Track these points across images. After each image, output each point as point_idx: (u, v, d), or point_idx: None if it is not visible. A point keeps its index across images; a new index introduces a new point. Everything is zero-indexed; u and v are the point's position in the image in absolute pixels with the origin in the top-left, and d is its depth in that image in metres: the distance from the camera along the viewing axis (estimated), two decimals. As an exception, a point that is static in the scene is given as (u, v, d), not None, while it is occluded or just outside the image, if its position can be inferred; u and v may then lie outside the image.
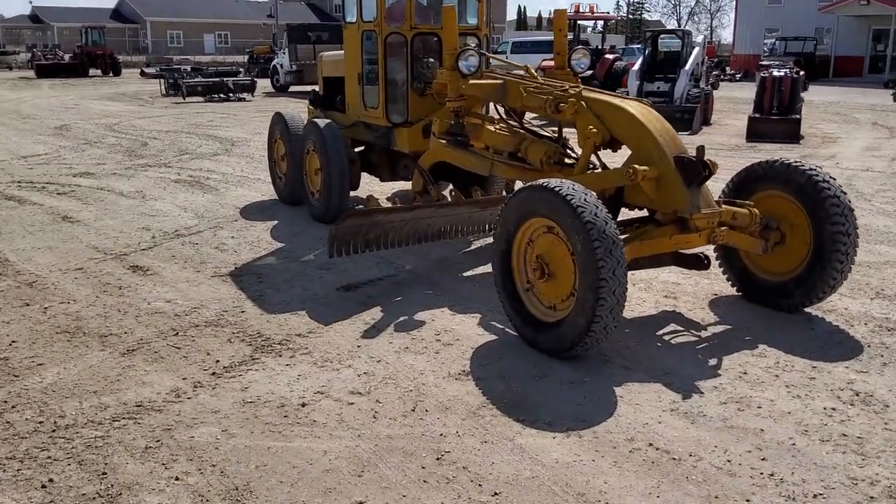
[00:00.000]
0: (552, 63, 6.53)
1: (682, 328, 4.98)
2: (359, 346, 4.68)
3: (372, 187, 9.47)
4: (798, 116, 15.71)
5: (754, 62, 37.90)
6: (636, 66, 19.19)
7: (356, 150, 8.26)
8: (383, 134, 7.49)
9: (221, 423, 3.72)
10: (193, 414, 3.82)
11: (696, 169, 4.66)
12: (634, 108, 5.09)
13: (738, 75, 38.39)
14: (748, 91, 28.40)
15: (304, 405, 3.90)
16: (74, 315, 5.22)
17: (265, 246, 7.06)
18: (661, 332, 4.90)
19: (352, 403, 3.93)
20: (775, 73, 16.41)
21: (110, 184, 10.29)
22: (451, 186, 8.59)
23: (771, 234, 5.10)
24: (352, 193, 8.02)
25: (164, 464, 3.36)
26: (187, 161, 12.37)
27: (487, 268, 6.13)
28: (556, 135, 6.03)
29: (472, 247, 7.03)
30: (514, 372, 4.30)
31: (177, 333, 4.90)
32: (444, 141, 6.32)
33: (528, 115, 6.51)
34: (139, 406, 3.90)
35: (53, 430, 3.64)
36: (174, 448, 3.49)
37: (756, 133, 15.35)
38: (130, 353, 4.58)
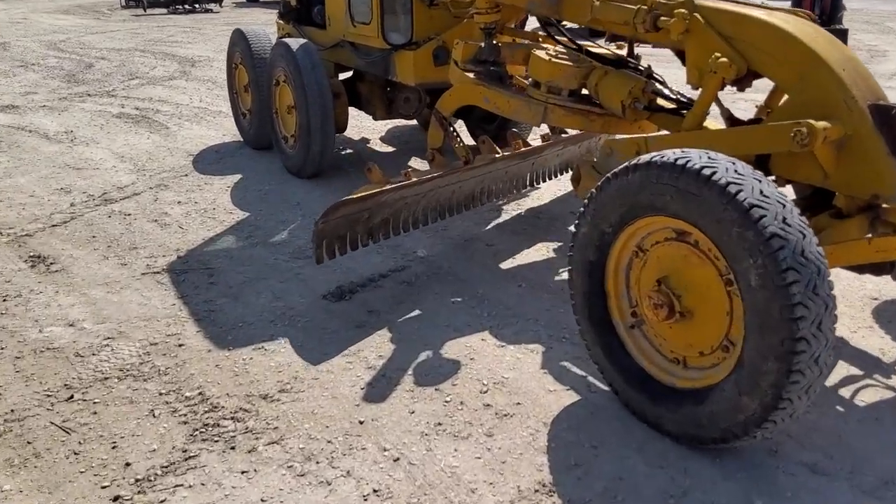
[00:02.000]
0: None
1: (858, 370, 3.23)
2: (361, 423, 2.90)
3: (361, 123, 7.53)
4: (845, 27, 13.69)
5: (763, -37, 35.28)
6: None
7: (341, 78, 6.30)
8: (378, 59, 5.52)
9: None
10: None
11: (915, 126, 2.81)
12: (790, 23, 3.17)
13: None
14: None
15: (269, 591, 2.15)
16: (-81, 358, 3.39)
17: (222, 217, 5.18)
18: (830, 380, 3.14)
19: (357, 581, 2.18)
20: (814, -25, 14.36)
21: (35, 121, 8.25)
22: (463, 126, 6.68)
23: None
24: (338, 135, 6.10)
25: None
26: (136, 88, 10.27)
27: (532, 255, 4.35)
28: (629, 58, 4.11)
29: (503, 215, 5.18)
30: (629, 485, 2.55)
31: (72, 397, 3.10)
32: (471, 75, 4.36)
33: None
34: None
35: None
36: None
37: (798, 46, 13.34)
38: (-15, 447, 2.78)
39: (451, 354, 3.37)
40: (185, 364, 3.33)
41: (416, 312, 3.77)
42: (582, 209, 2.90)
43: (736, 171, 2.42)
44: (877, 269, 3.26)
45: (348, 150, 6.86)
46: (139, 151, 6.93)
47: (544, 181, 5.22)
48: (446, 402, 3.02)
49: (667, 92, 3.87)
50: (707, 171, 2.42)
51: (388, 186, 3.95)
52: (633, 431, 2.80)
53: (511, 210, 5.21)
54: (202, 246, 4.66)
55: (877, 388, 3.08)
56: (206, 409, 3.00)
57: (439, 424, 2.88)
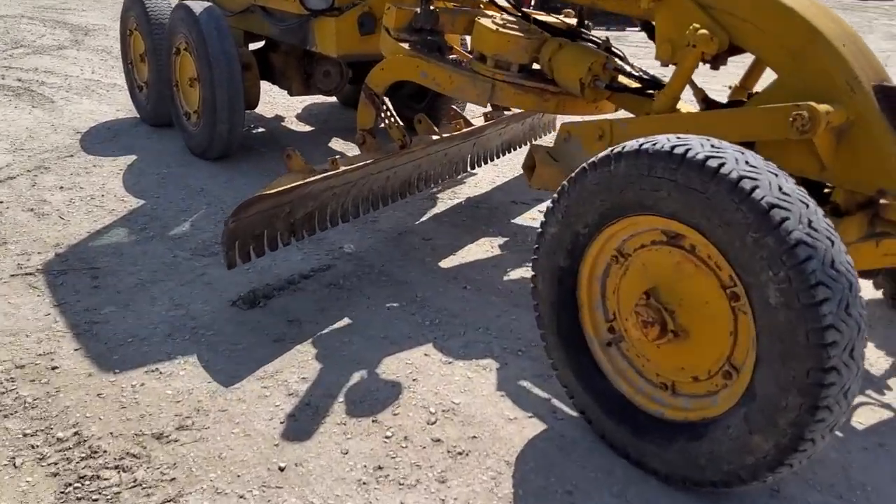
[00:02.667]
0: None
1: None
2: (282, 469, 2.35)
3: (274, 99, 6.86)
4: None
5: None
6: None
7: (251, 48, 5.62)
8: (295, 27, 4.88)
9: None
10: None
11: (928, 111, 2.44)
12: (781, -11, 2.76)
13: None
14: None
15: None
16: None
17: (112, 205, 4.46)
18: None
19: None
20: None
21: None
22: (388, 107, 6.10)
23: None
24: (248, 112, 5.45)
25: None
26: (19, 58, 9.18)
27: (476, 251, 3.87)
28: (582, 28, 3.65)
29: (440, 204, 4.66)
30: (615, 542, 2.10)
31: None
32: (406, 46, 3.80)
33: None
34: None
35: None
36: None
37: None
38: None
39: (389, 374, 2.84)
40: (58, 393, 2.68)
41: (346, 321, 3.23)
42: (550, 205, 2.41)
43: (748, 162, 1.98)
44: (865, 273, 2.93)
45: (260, 129, 6.18)
46: (18, 128, 6.05)
47: (485, 163, 4.73)
48: (387, 437, 2.50)
49: (628, 69, 3.43)
50: (713, 162, 1.97)
51: (312, 178, 3.36)
52: (612, 471, 2.35)
53: (447, 199, 4.69)
54: (87, 241, 3.96)
55: (873, 407, 2.74)
56: (83, 454, 2.38)
57: (380, 469, 2.35)
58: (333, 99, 6.95)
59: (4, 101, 6.93)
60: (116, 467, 2.33)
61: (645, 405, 2.36)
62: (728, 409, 2.12)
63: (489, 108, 4.57)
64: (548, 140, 5.06)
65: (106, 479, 2.28)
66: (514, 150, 4.94)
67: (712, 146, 2.03)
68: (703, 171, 1.97)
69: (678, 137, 2.10)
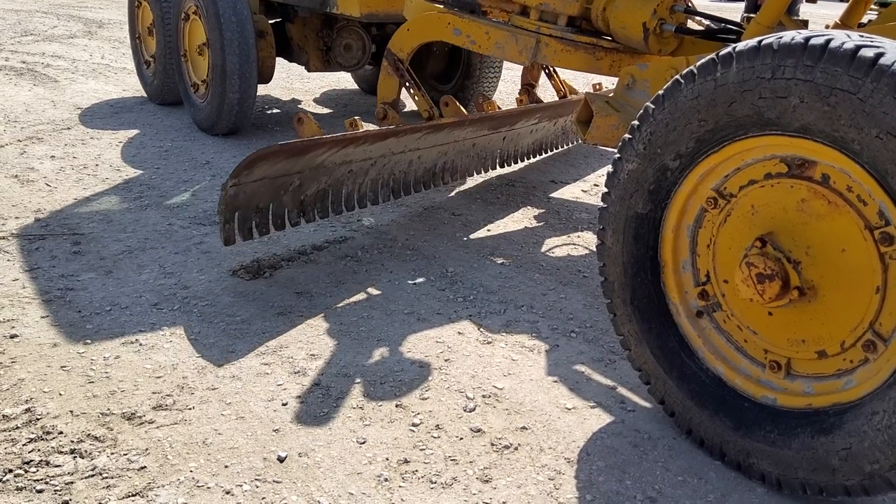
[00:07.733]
0: None
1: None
2: (282, 460, 1.84)
3: (291, 84, 6.43)
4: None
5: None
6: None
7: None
8: (315, -13, 4.45)
9: None
10: None
11: None
12: None
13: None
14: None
15: None
16: None
17: (106, 174, 4.01)
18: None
19: None
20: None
21: None
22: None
23: None
24: (261, 91, 5.01)
25: None
26: (27, 44, 8.84)
27: (512, 226, 3.36)
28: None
29: (469, 182, 4.17)
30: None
31: None
32: (440, 5, 3.32)
33: None
34: None
35: None
36: None
37: None
38: None
39: (416, 353, 2.34)
40: (13, 365, 2.20)
41: (364, 295, 2.73)
42: (628, 136, 1.91)
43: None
44: None
45: (275, 110, 5.73)
46: (14, 103, 5.63)
47: (515, 163, 4.24)
48: (415, 425, 1.99)
49: (702, 14, 2.94)
50: (868, 52, 1.47)
51: (328, 136, 2.87)
52: (705, 475, 1.83)
53: (477, 177, 4.20)
54: (72, 207, 3.50)
55: None
56: (33, 435, 1.89)
57: (405, 462, 1.84)
58: (354, 85, 6.52)
59: (4, 80, 6.53)
60: (72, 452, 1.83)
61: (750, 391, 1.84)
62: (872, 392, 1.60)
63: (521, 94, 4.07)
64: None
65: (57, 466, 1.78)
66: (545, 152, 4.48)
67: (860, 36, 1.53)
68: (856, 64, 1.47)
69: (811, 31, 1.60)
